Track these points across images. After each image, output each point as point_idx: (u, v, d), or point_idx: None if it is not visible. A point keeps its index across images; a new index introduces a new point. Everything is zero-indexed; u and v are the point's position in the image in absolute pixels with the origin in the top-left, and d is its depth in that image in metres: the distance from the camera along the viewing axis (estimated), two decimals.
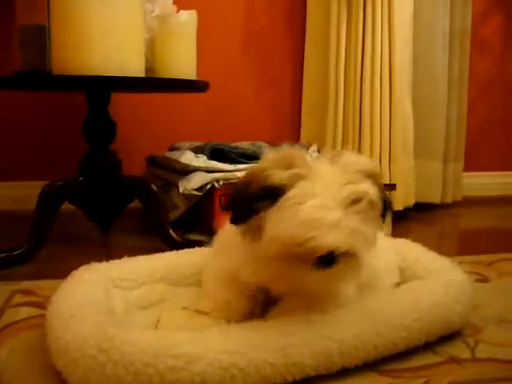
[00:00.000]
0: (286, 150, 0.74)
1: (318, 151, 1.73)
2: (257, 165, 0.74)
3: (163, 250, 1.09)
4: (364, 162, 0.75)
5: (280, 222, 0.68)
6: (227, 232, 0.84)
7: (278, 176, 0.69)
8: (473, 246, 1.54)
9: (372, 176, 0.73)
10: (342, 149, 1.86)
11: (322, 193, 0.68)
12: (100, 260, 0.98)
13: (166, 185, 1.60)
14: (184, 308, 0.88)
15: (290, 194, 0.68)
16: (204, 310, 0.85)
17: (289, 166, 0.70)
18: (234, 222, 0.73)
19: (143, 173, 1.80)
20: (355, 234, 0.68)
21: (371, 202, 0.70)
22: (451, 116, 2.03)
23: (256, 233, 0.71)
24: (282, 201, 0.68)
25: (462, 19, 2.01)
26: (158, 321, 0.86)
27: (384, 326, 0.77)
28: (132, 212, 1.56)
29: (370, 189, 0.70)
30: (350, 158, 0.74)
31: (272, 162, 0.72)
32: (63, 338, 0.69)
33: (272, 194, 0.69)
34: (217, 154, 1.56)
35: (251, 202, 0.70)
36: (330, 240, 0.66)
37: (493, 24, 2.27)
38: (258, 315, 0.82)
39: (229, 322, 0.82)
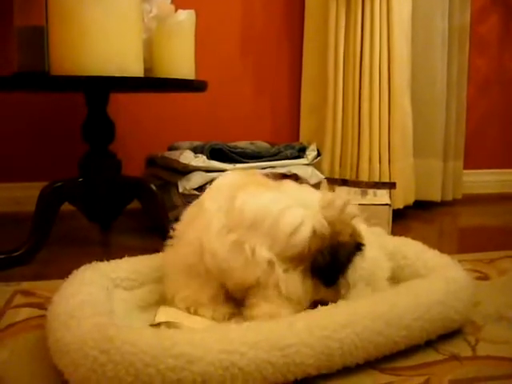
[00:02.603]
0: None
1: (318, 151, 1.73)
2: (332, 215, 0.82)
3: (163, 250, 1.09)
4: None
5: None
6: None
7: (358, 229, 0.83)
8: (473, 244, 1.54)
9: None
10: (342, 149, 1.87)
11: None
12: (100, 260, 0.98)
13: (165, 185, 1.60)
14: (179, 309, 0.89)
15: None
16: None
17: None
18: (330, 283, 0.81)
19: (142, 173, 1.80)
20: None
21: None
22: (450, 114, 2.03)
23: None
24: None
25: (461, 17, 2.01)
26: (155, 315, 0.86)
27: (384, 324, 0.77)
28: (132, 212, 1.56)
29: None
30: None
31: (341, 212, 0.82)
32: (64, 339, 0.69)
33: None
34: (216, 153, 1.55)
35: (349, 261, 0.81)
36: None
37: (491, 21, 2.27)
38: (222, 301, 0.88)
39: (222, 320, 0.86)
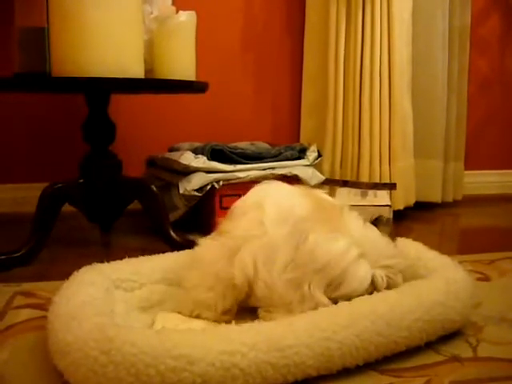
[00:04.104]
0: None
1: (318, 152, 1.74)
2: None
3: (164, 251, 1.10)
4: None
5: None
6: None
7: None
8: (474, 245, 1.54)
9: None
10: (343, 149, 1.87)
11: None
12: (101, 261, 0.98)
13: (166, 186, 1.60)
14: (178, 312, 0.89)
15: None
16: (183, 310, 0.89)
17: None
18: None
19: (143, 174, 1.80)
20: None
21: None
22: (451, 114, 2.03)
23: None
24: None
25: (461, 17, 2.01)
26: (153, 322, 0.86)
27: (385, 325, 0.76)
28: (132, 213, 1.56)
29: None
30: None
31: None
32: (64, 340, 0.69)
33: None
34: (217, 154, 1.56)
35: None
36: None
37: (492, 22, 2.27)
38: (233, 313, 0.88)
39: (219, 323, 0.85)
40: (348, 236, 0.85)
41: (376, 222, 0.94)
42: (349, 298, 0.81)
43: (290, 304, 0.82)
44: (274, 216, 0.87)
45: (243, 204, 0.92)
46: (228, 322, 0.82)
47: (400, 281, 0.87)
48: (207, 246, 0.91)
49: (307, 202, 0.89)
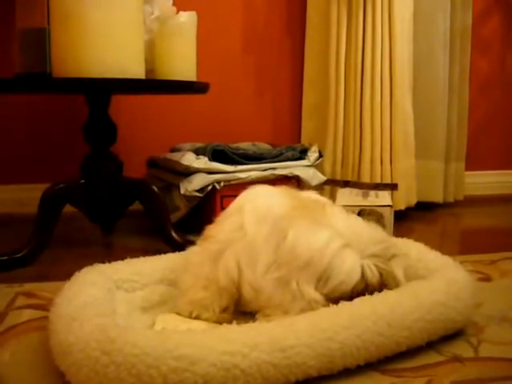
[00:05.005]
0: None
1: (319, 152, 1.73)
2: None
3: (165, 252, 1.10)
4: None
5: None
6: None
7: None
8: (475, 245, 1.54)
9: None
10: (344, 150, 1.87)
11: None
12: (102, 262, 0.98)
13: (167, 186, 1.60)
14: (177, 313, 0.90)
15: None
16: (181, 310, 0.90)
17: None
18: None
19: (144, 175, 1.80)
20: None
21: None
22: (452, 115, 2.03)
23: None
24: None
25: (463, 18, 2.01)
26: (153, 324, 0.86)
27: (386, 325, 0.76)
28: (134, 214, 1.56)
29: None
30: None
31: None
32: (66, 340, 0.70)
33: None
34: (218, 155, 1.56)
35: None
36: None
37: (493, 22, 2.27)
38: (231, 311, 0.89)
39: (220, 324, 0.84)
40: (329, 227, 0.83)
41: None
42: (347, 295, 0.80)
43: (280, 305, 0.81)
44: (253, 217, 0.86)
45: (227, 209, 0.93)
46: (229, 322, 0.82)
47: (394, 269, 0.84)
48: (195, 251, 0.93)
49: (287, 200, 0.88)
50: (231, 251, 0.86)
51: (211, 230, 0.91)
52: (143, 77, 1.27)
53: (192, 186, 1.48)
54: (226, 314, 0.89)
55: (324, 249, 0.80)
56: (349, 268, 0.80)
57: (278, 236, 0.82)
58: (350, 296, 0.80)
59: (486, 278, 1.17)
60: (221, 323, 0.84)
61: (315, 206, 0.88)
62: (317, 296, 0.79)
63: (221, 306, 0.88)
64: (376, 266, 0.81)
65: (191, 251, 0.94)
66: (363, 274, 0.80)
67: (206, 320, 0.87)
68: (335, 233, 0.82)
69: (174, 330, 0.81)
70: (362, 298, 0.80)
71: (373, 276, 0.81)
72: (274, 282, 0.81)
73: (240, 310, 0.90)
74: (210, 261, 0.88)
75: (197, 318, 0.88)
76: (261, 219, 0.86)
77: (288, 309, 0.81)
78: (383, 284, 0.82)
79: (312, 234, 0.81)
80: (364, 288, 0.81)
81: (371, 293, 0.81)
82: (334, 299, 0.80)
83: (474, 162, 2.23)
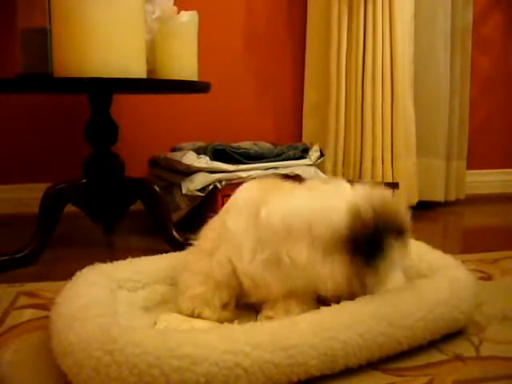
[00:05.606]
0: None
1: (321, 151, 1.73)
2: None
3: (166, 251, 1.10)
4: None
5: None
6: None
7: None
8: (476, 244, 1.54)
9: None
10: (345, 149, 1.87)
11: None
12: (104, 261, 0.98)
13: (168, 186, 1.60)
14: (179, 312, 0.90)
15: None
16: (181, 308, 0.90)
17: None
18: (372, 259, 0.77)
19: (146, 174, 1.80)
20: None
21: None
22: (453, 114, 2.03)
23: None
24: None
25: (463, 17, 2.01)
26: (155, 323, 0.86)
27: (388, 324, 0.76)
28: (135, 213, 1.56)
29: None
30: None
31: None
32: (67, 340, 0.70)
33: None
34: (219, 154, 1.56)
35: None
36: None
37: (494, 22, 2.26)
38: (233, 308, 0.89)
39: (221, 323, 0.85)
40: (300, 195, 0.84)
41: None
42: (348, 242, 0.77)
43: (275, 287, 0.81)
44: (234, 213, 0.89)
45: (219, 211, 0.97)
46: (231, 321, 0.82)
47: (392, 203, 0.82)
48: (191, 251, 0.95)
49: (261, 188, 0.91)
50: (222, 249, 0.88)
51: (204, 230, 0.95)
52: (144, 76, 1.27)
53: (193, 185, 1.48)
54: (228, 312, 0.89)
55: (299, 208, 0.80)
56: (331, 210, 0.78)
57: (253, 218, 0.84)
58: (356, 245, 0.76)
59: (488, 277, 1.17)
60: (223, 322, 0.84)
61: (287, 185, 0.90)
62: (308, 253, 0.78)
63: (221, 300, 0.88)
64: (368, 201, 0.78)
65: (188, 251, 0.96)
66: (353, 213, 0.77)
67: (207, 319, 0.88)
68: (306, 195, 0.83)
69: (175, 329, 0.81)
70: (364, 297, 0.80)
71: (364, 210, 0.77)
72: (265, 264, 0.81)
73: (243, 304, 0.90)
74: (205, 258, 0.90)
75: (198, 316, 0.88)
76: (239, 212, 0.88)
77: (292, 310, 0.81)
78: (379, 216, 0.78)
79: (283, 203, 0.82)
80: (362, 226, 0.76)
81: (372, 229, 0.76)
82: (335, 250, 0.78)
83: (475, 160, 2.23)
